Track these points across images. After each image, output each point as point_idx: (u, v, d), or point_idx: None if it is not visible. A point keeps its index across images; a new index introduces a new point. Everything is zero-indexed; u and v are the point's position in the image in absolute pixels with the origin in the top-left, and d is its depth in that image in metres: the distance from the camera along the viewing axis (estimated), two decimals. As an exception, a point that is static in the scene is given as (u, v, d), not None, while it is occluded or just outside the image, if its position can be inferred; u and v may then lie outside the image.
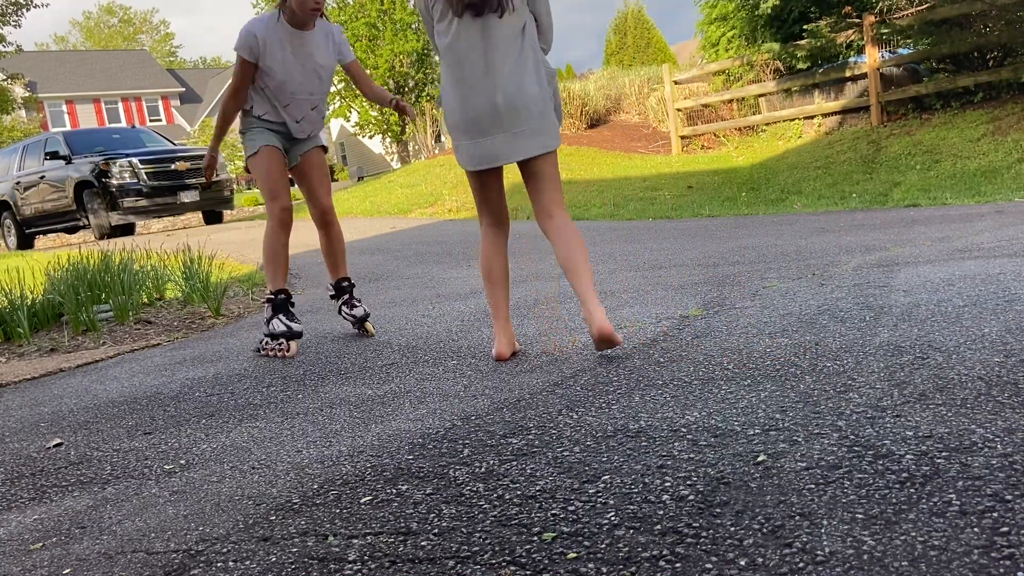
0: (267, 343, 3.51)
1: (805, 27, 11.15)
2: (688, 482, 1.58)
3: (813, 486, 1.49)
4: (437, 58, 2.65)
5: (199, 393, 2.99)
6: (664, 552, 1.33)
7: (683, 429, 1.89)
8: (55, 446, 2.52)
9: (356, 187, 17.85)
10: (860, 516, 1.35)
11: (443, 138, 21.13)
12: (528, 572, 1.33)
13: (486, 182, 2.80)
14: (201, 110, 43.74)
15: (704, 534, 1.37)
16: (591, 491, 1.61)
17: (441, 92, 2.75)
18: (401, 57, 24.09)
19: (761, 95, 12.40)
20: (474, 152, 2.68)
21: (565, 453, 1.84)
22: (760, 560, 1.26)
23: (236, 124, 3.61)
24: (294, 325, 3.49)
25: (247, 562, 1.51)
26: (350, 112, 26.07)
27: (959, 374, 2.01)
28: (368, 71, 23.47)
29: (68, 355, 4.21)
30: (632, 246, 5.97)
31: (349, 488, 1.81)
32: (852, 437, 1.69)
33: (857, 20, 10.57)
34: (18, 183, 13.31)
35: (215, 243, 8.04)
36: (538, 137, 2.65)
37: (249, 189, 34.56)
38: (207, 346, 4.02)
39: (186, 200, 12.53)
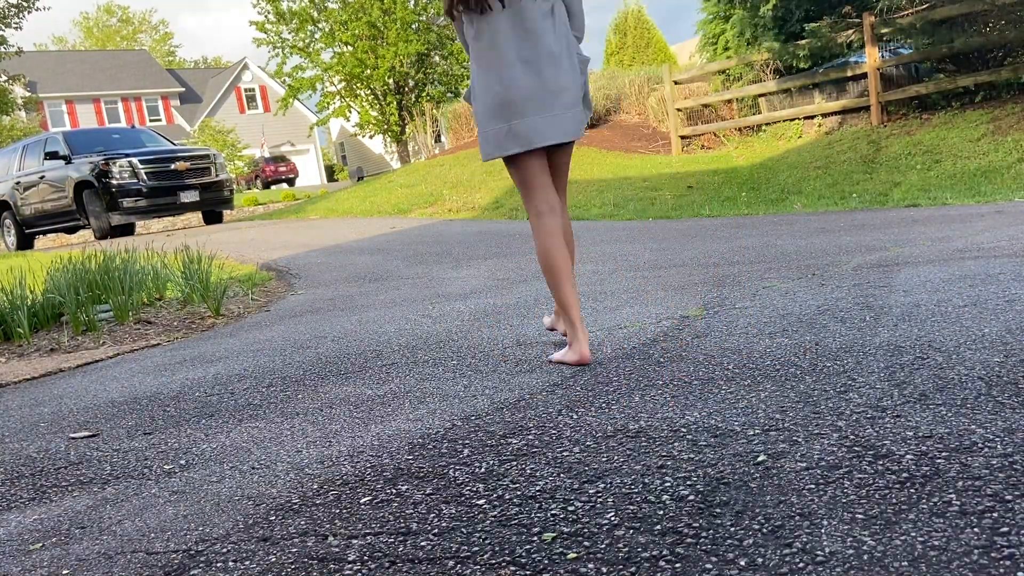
0: None
1: (805, 27, 11.16)
2: (688, 482, 1.58)
3: (813, 486, 1.49)
4: (463, 46, 2.34)
5: (199, 393, 2.99)
6: (664, 552, 1.33)
7: (683, 429, 1.89)
8: (86, 437, 2.52)
9: (356, 187, 17.85)
10: (860, 516, 1.35)
11: (443, 138, 21.13)
12: (528, 572, 1.33)
13: (532, 167, 2.60)
14: (201, 110, 43.73)
15: (704, 534, 1.37)
16: (591, 491, 1.61)
17: (472, 80, 2.61)
18: (402, 57, 24.08)
19: (761, 95, 12.40)
20: (508, 136, 2.52)
21: (565, 453, 1.84)
22: (760, 560, 1.26)
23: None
24: None
25: (247, 562, 1.51)
26: (350, 112, 26.06)
27: (959, 374, 2.01)
28: (368, 71, 23.48)
29: (68, 355, 4.21)
30: (632, 246, 5.97)
31: (349, 488, 1.81)
32: (852, 437, 1.69)
33: (857, 20, 10.57)
34: (18, 183, 13.31)
35: (215, 243, 8.05)
36: (572, 122, 2.56)
37: (249, 189, 34.57)
38: (207, 346, 4.02)
39: (186, 200, 12.53)
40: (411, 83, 25.54)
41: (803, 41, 11.30)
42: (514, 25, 2.49)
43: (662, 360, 2.56)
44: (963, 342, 2.29)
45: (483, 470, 1.81)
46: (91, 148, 12.72)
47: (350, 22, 23.15)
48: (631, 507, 1.51)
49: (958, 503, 1.35)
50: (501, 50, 2.50)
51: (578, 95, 2.58)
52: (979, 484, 1.41)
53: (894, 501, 1.39)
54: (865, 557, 1.22)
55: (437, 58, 25.75)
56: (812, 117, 11.48)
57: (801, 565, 1.23)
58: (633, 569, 1.29)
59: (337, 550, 1.51)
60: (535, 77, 2.48)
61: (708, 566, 1.26)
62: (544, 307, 3.85)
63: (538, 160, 2.60)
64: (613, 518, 1.47)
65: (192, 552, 1.58)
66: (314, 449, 2.13)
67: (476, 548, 1.44)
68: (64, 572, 1.58)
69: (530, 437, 1.98)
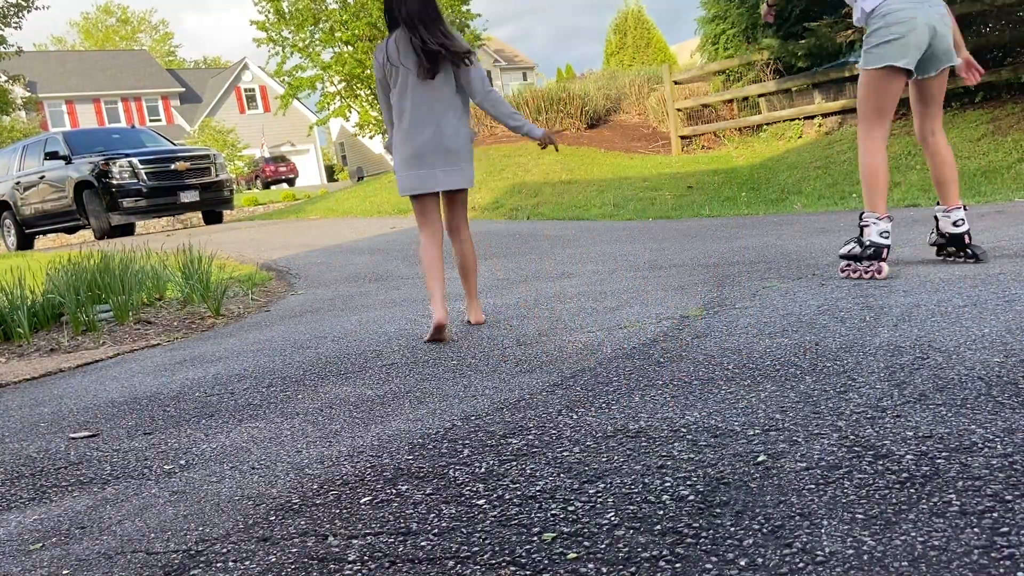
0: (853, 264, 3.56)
1: (805, 26, 11.16)
2: (688, 482, 1.59)
3: (813, 486, 1.49)
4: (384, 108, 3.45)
5: (199, 393, 2.99)
6: (664, 552, 1.33)
7: (683, 429, 1.89)
8: (86, 437, 2.52)
9: (356, 187, 17.86)
10: (860, 516, 1.35)
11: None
12: (528, 572, 1.33)
13: (427, 204, 3.49)
14: (201, 110, 43.73)
15: (704, 534, 1.37)
16: (591, 491, 1.61)
17: (392, 134, 3.47)
18: (401, 57, 23.98)
19: (761, 95, 12.40)
20: (415, 181, 3.41)
21: (565, 453, 1.84)
22: (760, 560, 1.26)
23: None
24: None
25: (247, 562, 1.51)
26: (350, 112, 26.06)
27: (959, 374, 2.01)
28: (369, 71, 23.50)
29: (68, 355, 4.21)
30: (632, 246, 5.97)
31: (349, 488, 1.81)
32: (852, 437, 1.69)
33: (857, 20, 10.57)
34: (18, 183, 13.30)
35: (215, 243, 8.05)
36: (464, 175, 3.47)
37: (249, 189, 34.56)
38: (207, 346, 4.02)
39: (186, 200, 12.52)
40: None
41: (803, 41, 11.30)
42: (431, 100, 3.37)
43: (662, 360, 2.56)
44: (963, 342, 2.29)
45: (483, 470, 1.81)
46: (91, 148, 12.71)
47: (350, 22, 23.12)
48: (631, 507, 1.51)
49: (958, 503, 1.35)
50: (419, 117, 3.37)
51: (469, 157, 3.48)
52: (979, 484, 1.41)
53: (894, 501, 1.39)
54: (865, 557, 1.22)
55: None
56: (812, 117, 11.48)
57: (801, 565, 1.23)
58: (633, 569, 1.29)
59: (337, 550, 1.51)
60: (437, 141, 3.37)
61: (708, 566, 1.26)
62: (545, 307, 3.85)
63: (433, 199, 3.50)
64: (613, 518, 1.47)
65: (192, 552, 1.58)
66: (314, 449, 2.13)
67: (476, 548, 1.44)
68: (64, 572, 1.58)
69: (530, 437, 1.98)
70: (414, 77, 3.35)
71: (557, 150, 3.64)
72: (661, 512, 1.47)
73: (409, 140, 3.38)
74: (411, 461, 1.93)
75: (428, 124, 3.36)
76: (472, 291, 3.67)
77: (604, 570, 1.30)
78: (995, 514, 1.30)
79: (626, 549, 1.36)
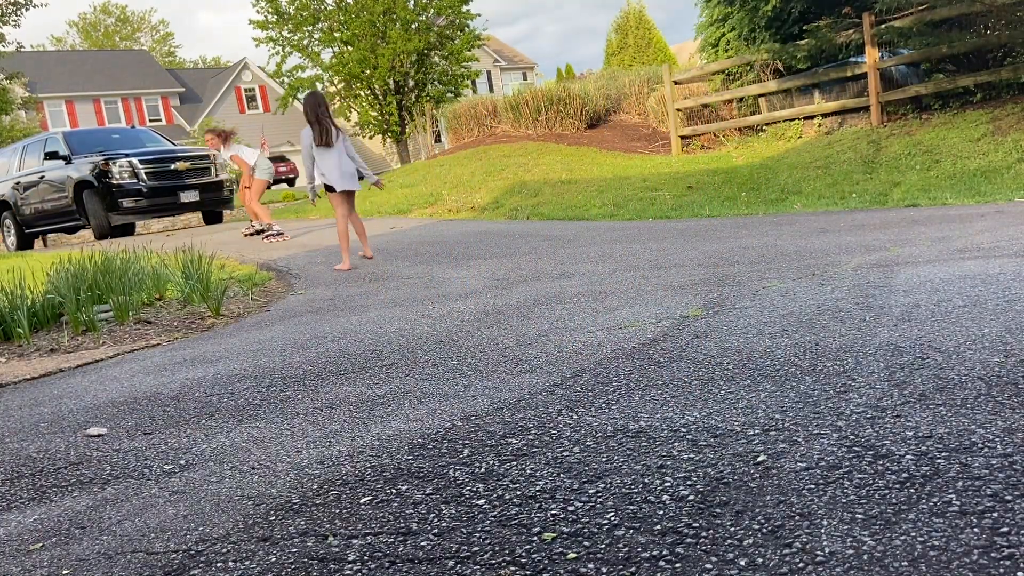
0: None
1: (805, 27, 11.15)
2: (688, 482, 1.59)
3: (813, 486, 1.49)
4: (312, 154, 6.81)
5: (199, 393, 2.99)
6: (664, 552, 1.33)
7: (683, 429, 1.89)
8: (96, 436, 2.52)
9: (356, 187, 17.80)
10: (860, 516, 1.35)
11: (443, 138, 21.14)
12: (528, 572, 1.33)
13: (337, 198, 6.53)
14: (201, 110, 43.73)
15: (704, 534, 1.37)
16: (591, 491, 1.61)
17: (319, 167, 6.52)
18: (402, 57, 24.05)
19: (761, 95, 12.40)
20: (341, 186, 6.42)
21: (565, 453, 1.84)
22: (760, 560, 1.26)
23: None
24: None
25: (247, 562, 1.51)
26: (350, 112, 26.05)
27: (959, 374, 2.01)
28: (369, 71, 23.47)
29: (68, 355, 4.21)
30: (632, 246, 5.97)
31: (349, 488, 1.81)
32: (852, 437, 1.69)
33: (857, 20, 10.57)
34: (18, 183, 13.30)
35: (215, 243, 8.04)
36: (353, 185, 6.55)
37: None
38: (207, 346, 4.02)
39: (186, 200, 12.52)
40: (411, 83, 25.51)
41: (802, 41, 11.29)
42: (336, 150, 6.45)
43: (662, 360, 2.56)
44: (963, 342, 2.29)
45: (483, 470, 1.81)
46: (91, 148, 12.70)
47: (350, 21, 23.13)
48: (631, 507, 1.51)
49: (958, 503, 1.35)
50: (333, 159, 6.44)
51: (356, 177, 6.62)
52: (979, 484, 1.41)
53: (894, 501, 1.39)
54: (865, 557, 1.22)
55: (437, 58, 25.72)
56: (812, 117, 11.48)
57: (801, 565, 1.23)
58: (633, 569, 1.29)
59: (337, 550, 1.51)
60: (338, 167, 6.45)
61: (708, 566, 1.26)
62: (544, 306, 3.85)
63: (341, 196, 6.53)
64: (613, 518, 1.47)
65: (192, 552, 1.58)
66: (314, 449, 2.13)
67: (476, 548, 1.44)
68: (64, 572, 1.58)
69: (530, 437, 1.98)
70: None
71: (381, 188, 7.64)
72: (661, 512, 1.47)
73: (334, 170, 6.46)
74: (411, 461, 1.93)
75: (336, 159, 6.46)
76: (363, 239, 6.81)
77: (604, 570, 1.30)
78: (995, 514, 1.30)
79: (626, 549, 1.36)
